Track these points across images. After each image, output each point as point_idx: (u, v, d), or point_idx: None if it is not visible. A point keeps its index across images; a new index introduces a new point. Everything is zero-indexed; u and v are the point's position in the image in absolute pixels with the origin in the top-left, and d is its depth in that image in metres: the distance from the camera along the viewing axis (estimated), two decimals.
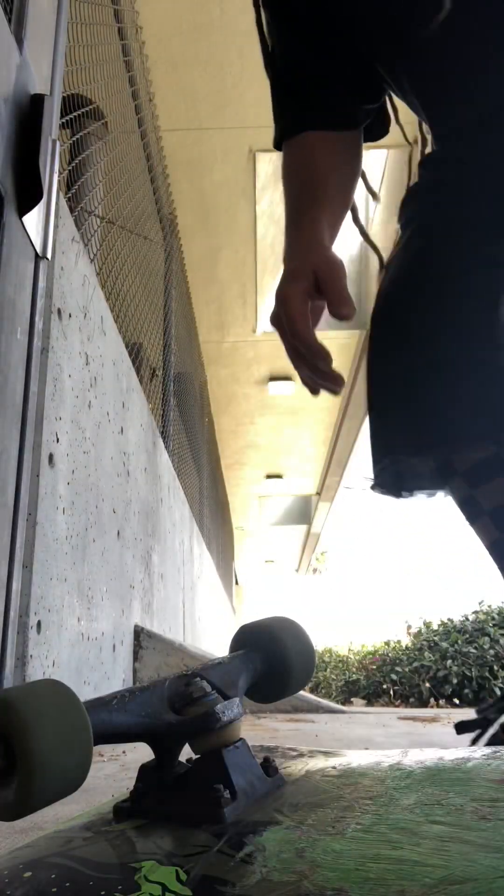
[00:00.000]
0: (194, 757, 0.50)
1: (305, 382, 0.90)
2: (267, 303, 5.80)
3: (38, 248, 1.52)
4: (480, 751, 0.56)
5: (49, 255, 1.57)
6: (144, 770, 0.51)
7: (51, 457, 1.60)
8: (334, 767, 0.55)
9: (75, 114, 2.29)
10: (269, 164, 4.58)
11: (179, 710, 0.50)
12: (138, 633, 2.68)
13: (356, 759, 0.58)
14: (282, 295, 0.83)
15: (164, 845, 0.44)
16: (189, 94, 3.70)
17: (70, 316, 1.79)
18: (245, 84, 3.66)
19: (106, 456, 2.18)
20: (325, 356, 0.81)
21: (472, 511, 0.91)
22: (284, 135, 1.00)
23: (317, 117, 0.97)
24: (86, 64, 2.30)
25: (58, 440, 1.65)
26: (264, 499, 11.29)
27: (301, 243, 0.87)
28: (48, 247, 1.56)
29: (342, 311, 0.77)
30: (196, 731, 0.49)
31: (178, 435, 4.60)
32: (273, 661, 0.59)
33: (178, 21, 3.29)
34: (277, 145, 1.04)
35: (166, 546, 3.53)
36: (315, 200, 0.92)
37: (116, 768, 1.32)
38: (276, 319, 0.84)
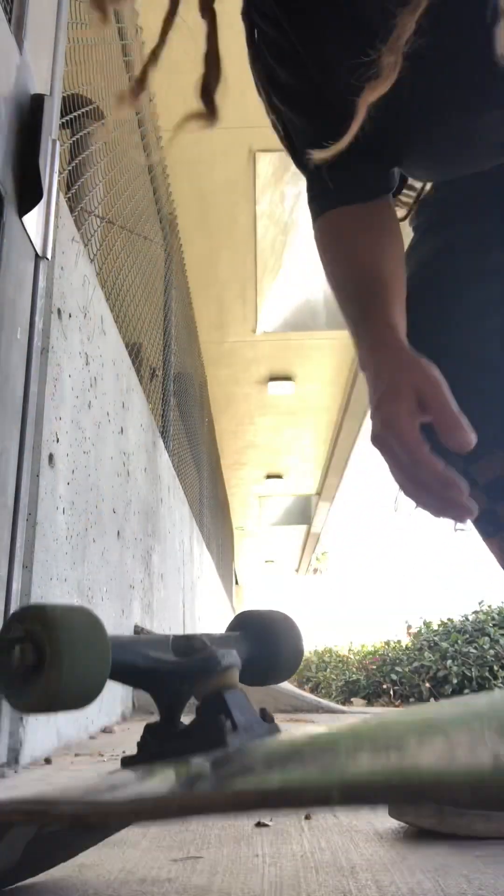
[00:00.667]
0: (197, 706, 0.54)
1: (424, 507, 0.75)
2: (267, 303, 5.80)
3: (38, 248, 1.52)
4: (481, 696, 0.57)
5: (49, 255, 1.57)
6: (149, 727, 0.55)
7: (51, 457, 1.60)
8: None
9: (75, 114, 2.29)
10: (269, 165, 4.58)
11: (183, 657, 0.55)
12: (138, 633, 2.68)
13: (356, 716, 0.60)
14: (388, 417, 0.71)
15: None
16: (189, 94, 3.70)
17: (70, 316, 1.79)
18: (245, 83, 3.64)
19: (106, 456, 2.18)
20: (458, 486, 0.69)
21: (490, 527, 0.86)
22: (316, 215, 0.91)
23: (347, 190, 0.88)
24: (86, 64, 2.30)
25: (58, 440, 1.65)
26: (264, 499, 11.29)
27: (388, 356, 0.77)
28: (48, 247, 1.56)
29: (458, 437, 0.66)
30: (199, 671, 0.53)
31: (178, 435, 4.60)
32: (264, 647, 0.62)
33: (178, 21, 3.29)
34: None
35: (166, 546, 3.53)
36: (381, 301, 0.81)
37: (116, 767, 1.32)
38: (383, 443, 0.73)
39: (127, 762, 0.54)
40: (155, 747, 0.53)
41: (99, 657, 0.45)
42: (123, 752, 1.53)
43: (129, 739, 1.77)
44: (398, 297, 0.81)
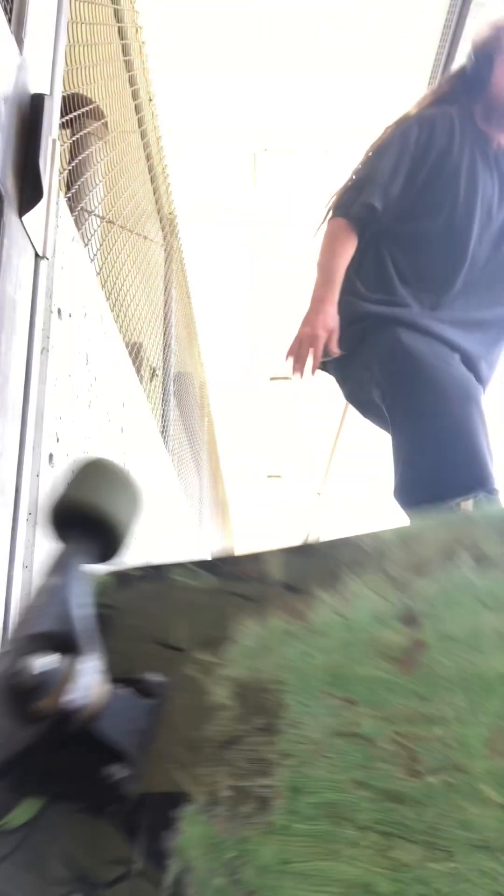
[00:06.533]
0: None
1: (294, 360, 1.76)
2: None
3: (38, 248, 1.52)
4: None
5: (49, 255, 1.57)
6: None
7: (51, 457, 1.60)
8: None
9: (75, 113, 2.29)
10: (270, 164, 4.58)
11: (27, 709, 0.40)
12: None
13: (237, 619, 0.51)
14: (317, 329, 1.72)
15: (79, 857, 0.38)
16: (189, 94, 3.70)
17: (70, 315, 1.79)
18: (246, 84, 3.66)
19: (106, 456, 2.18)
20: (309, 365, 1.76)
21: None
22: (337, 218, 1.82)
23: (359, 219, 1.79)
24: (86, 63, 2.30)
25: (58, 440, 1.65)
26: (264, 499, 11.28)
27: (329, 304, 1.73)
28: (48, 247, 1.56)
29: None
30: (60, 734, 0.40)
31: (178, 435, 4.59)
32: (100, 536, 0.50)
33: (178, 20, 3.29)
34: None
35: (166, 546, 3.53)
36: (337, 279, 1.76)
37: None
38: (310, 336, 1.73)
39: (14, 784, 0.42)
40: (38, 766, 0.41)
41: None
42: None
43: None
44: (340, 282, 1.75)
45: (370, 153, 1.88)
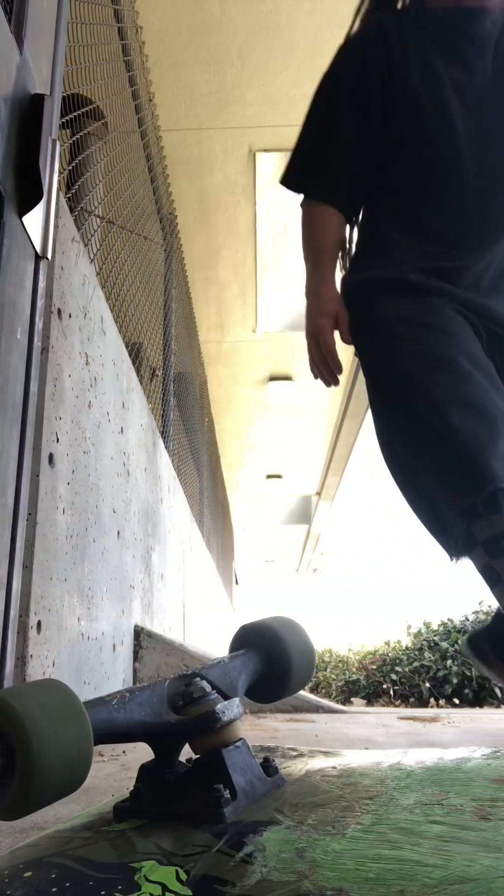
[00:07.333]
0: (194, 757, 0.51)
1: (317, 375, 1.49)
2: (267, 303, 5.80)
3: (38, 248, 1.52)
4: (480, 751, 0.56)
5: (49, 255, 1.57)
6: (144, 770, 0.51)
7: (51, 457, 1.60)
8: (334, 767, 0.55)
9: (75, 114, 2.29)
10: (269, 164, 4.58)
11: (180, 710, 0.51)
12: (138, 632, 2.67)
13: (356, 759, 0.58)
14: (319, 324, 1.43)
15: (164, 845, 0.44)
16: (189, 94, 3.70)
17: (70, 316, 1.79)
18: (245, 84, 3.66)
19: (106, 456, 2.18)
20: (337, 371, 1.48)
21: (490, 580, 1.14)
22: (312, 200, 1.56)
23: (341, 200, 1.54)
24: (86, 64, 2.30)
25: (58, 440, 1.65)
26: (264, 499, 11.28)
27: (326, 291, 1.45)
28: (48, 247, 1.56)
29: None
30: (196, 731, 0.50)
31: (178, 435, 4.59)
32: (273, 661, 0.59)
33: (178, 21, 3.29)
34: (299, 188, 1.59)
35: (166, 546, 3.53)
36: (328, 262, 1.51)
37: (116, 768, 1.32)
38: (314, 335, 1.46)
39: (119, 813, 0.50)
40: (147, 802, 0.49)
41: (78, 741, 0.40)
42: (123, 752, 1.53)
43: None
44: (334, 263, 1.51)
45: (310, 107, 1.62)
